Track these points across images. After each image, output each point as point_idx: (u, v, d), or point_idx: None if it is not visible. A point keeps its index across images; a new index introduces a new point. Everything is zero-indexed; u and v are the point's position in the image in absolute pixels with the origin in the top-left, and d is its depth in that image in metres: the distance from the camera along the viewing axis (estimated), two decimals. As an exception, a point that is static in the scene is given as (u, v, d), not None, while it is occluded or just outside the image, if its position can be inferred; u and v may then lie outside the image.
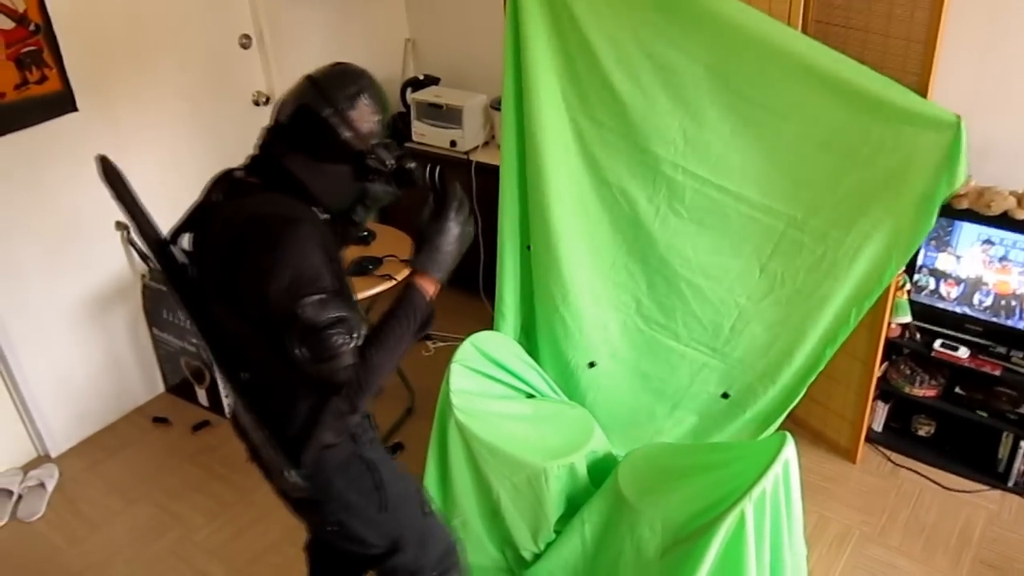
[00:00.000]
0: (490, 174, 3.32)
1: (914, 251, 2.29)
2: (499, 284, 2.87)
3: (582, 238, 2.65)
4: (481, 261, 3.55)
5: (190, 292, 1.64)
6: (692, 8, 2.27)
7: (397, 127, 3.93)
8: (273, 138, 1.61)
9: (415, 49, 4.25)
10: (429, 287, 1.61)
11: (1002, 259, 2.68)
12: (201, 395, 3.40)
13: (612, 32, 2.38)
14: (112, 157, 1.61)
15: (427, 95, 3.83)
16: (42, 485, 3.03)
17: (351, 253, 3.03)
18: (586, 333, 2.73)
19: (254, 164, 1.63)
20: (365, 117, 1.58)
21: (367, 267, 2.90)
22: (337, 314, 1.45)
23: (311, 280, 1.46)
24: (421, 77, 4.01)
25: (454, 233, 1.63)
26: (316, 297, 1.44)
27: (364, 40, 4.02)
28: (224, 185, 1.64)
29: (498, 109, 3.27)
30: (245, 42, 3.50)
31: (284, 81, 3.63)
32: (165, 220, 1.64)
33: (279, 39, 3.59)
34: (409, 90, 3.92)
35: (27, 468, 3.14)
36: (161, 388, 3.56)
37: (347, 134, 1.56)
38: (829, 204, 2.29)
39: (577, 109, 2.53)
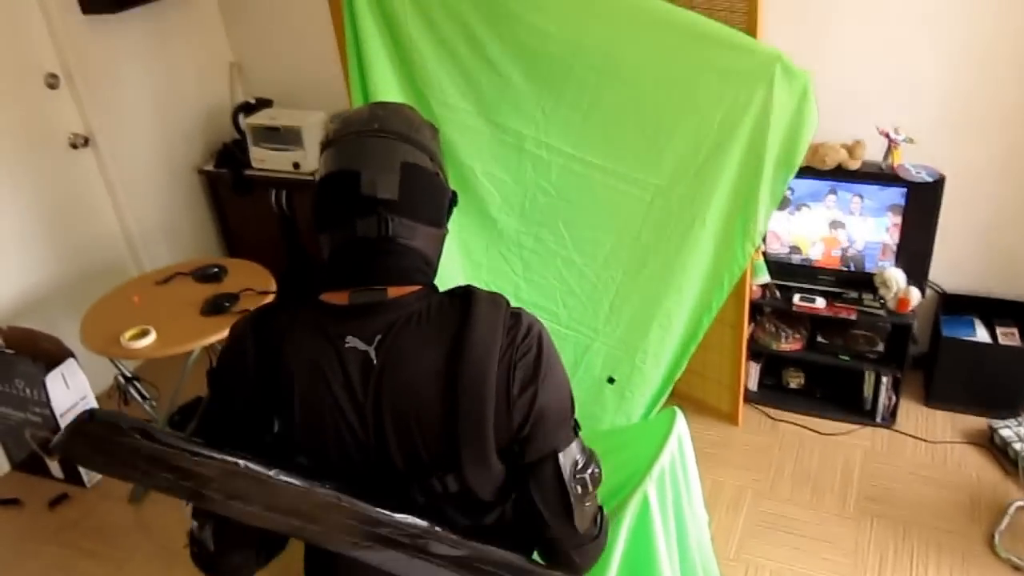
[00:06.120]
0: (340, 191, 3.22)
1: (775, 207, 2.35)
2: None
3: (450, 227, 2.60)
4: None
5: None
6: None
7: (234, 155, 3.75)
8: (387, 220, 1.24)
9: (242, 73, 4.05)
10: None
11: (841, 212, 2.84)
12: (54, 467, 3.10)
13: (458, 13, 2.33)
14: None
15: (262, 118, 3.66)
16: None
17: (205, 292, 2.85)
18: None
19: (356, 272, 1.26)
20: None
21: (223, 304, 2.73)
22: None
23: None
24: (252, 101, 3.83)
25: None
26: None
27: (185, 68, 3.80)
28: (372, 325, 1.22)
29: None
30: (52, 81, 3.22)
31: (102, 119, 3.38)
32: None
33: (91, 75, 3.33)
34: (241, 115, 3.74)
35: None
36: (6, 467, 3.23)
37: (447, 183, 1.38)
38: (692, 170, 2.31)
39: (427, 96, 2.47)
